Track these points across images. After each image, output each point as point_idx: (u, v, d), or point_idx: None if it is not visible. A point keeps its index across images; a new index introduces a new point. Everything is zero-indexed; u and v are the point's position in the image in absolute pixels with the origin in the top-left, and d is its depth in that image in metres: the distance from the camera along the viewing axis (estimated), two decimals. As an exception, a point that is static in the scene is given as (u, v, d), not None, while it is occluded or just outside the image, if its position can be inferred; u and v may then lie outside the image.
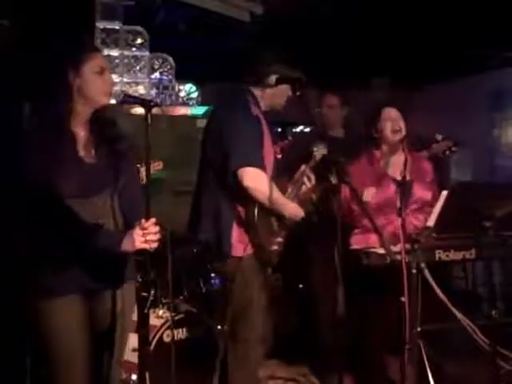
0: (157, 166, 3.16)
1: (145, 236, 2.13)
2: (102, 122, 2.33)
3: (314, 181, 3.02)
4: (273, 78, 2.93)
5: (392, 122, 3.23)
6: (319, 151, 3.00)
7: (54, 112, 2.24)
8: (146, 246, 2.14)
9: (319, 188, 3.28)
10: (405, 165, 2.94)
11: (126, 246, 2.16)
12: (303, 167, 3.03)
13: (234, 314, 2.86)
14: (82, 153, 2.28)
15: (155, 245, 2.16)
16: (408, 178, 2.96)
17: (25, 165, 2.17)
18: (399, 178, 3.07)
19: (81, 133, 2.30)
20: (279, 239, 2.95)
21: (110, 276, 2.29)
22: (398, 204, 2.82)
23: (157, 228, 2.16)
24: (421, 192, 3.20)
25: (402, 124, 3.25)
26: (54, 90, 2.24)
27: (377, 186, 3.19)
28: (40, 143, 2.17)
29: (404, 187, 2.92)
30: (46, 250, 2.20)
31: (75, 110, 2.26)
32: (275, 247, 2.93)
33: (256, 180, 2.74)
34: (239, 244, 2.81)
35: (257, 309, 2.85)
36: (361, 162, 3.31)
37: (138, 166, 2.96)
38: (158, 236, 2.16)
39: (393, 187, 3.17)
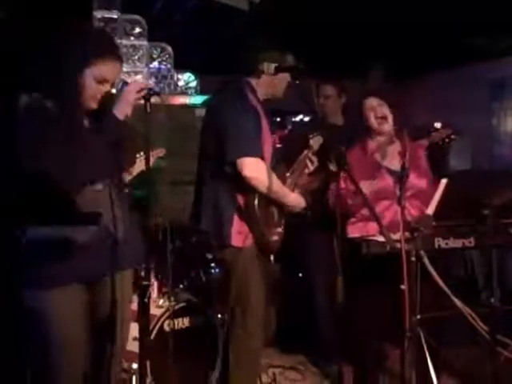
0: (160, 153, 3.16)
1: (136, 87, 2.20)
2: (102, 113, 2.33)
3: (316, 163, 3.03)
4: (272, 67, 2.92)
5: (374, 110, 3.24)
6: (314, 139, 3.02)
7: (65, 98, 2.22)
8: (141, 94, 2.18)
9: (319, 177, 3.28)
10: (404, 155, 2.92)
11: (121, 110, 2.22)
12: (305, 152, 3.03)
13: (234, 303, 2.86)
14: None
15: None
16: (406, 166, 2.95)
17: (30, 150, 2.13)
18: (395, 167, 3.07)
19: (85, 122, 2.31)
20: (280, 229, 2.96)
21: (109, 265, 2.28)
22: (398, 193, 2.82)
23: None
24: (415, 179, 3.20)
25: (385, 110, 3.23)
26: (64, 79, 2.23)
27: (371, 177, 3.18)
28: (50, 126, 2.14)
29: (402, 177, 2.92)
30: (46, 240, 2.20)
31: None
32: (276, 237, 2.93)
33: (255, 170, 2.74)
34: (239, 234, 2.81)
35: (258, 297, 2.86)
36: (355, 152, 3.30)
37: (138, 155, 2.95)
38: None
39: (388, 178, 3.17)
